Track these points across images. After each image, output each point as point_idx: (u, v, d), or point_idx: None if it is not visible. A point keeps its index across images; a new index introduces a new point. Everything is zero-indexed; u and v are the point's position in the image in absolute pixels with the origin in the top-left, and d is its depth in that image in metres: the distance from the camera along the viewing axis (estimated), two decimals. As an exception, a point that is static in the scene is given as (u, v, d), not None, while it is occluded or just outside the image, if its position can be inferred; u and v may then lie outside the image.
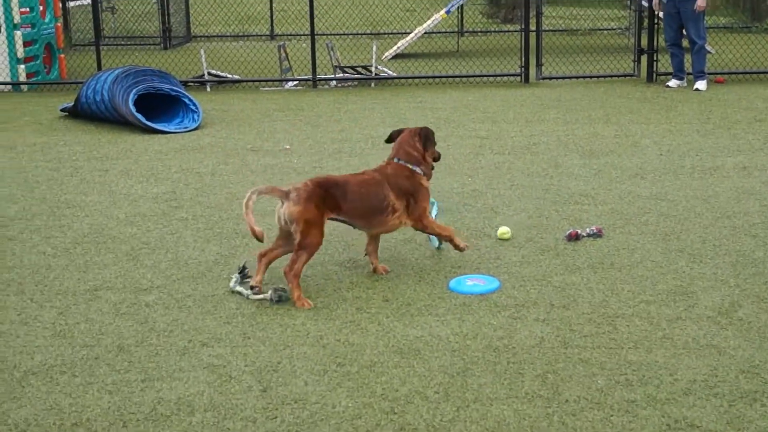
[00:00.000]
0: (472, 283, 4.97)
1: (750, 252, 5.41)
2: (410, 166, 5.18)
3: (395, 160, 5.22)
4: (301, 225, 4.76)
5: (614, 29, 18.24)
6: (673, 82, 11.67)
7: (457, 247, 5.26)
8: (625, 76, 12.61)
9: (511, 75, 12.59)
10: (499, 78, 12.66)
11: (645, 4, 12.62)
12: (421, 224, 5.16)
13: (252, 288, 4.89)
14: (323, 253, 5.54)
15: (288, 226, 4.82)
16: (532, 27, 12.64)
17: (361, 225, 5.10)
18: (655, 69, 12.25)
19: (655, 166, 7.52)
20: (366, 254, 5.28)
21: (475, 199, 6.65)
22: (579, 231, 5.73)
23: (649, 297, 4.77)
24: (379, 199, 5.02)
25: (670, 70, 11.81)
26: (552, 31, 17.63)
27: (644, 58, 12.41)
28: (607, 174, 7.29)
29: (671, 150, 8.09)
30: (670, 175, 7.21)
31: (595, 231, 5.74)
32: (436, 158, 5.38)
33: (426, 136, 5.32)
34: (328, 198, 4.89)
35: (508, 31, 17.78)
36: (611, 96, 11.18)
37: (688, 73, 11.62)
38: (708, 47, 12.57)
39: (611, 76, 12.61)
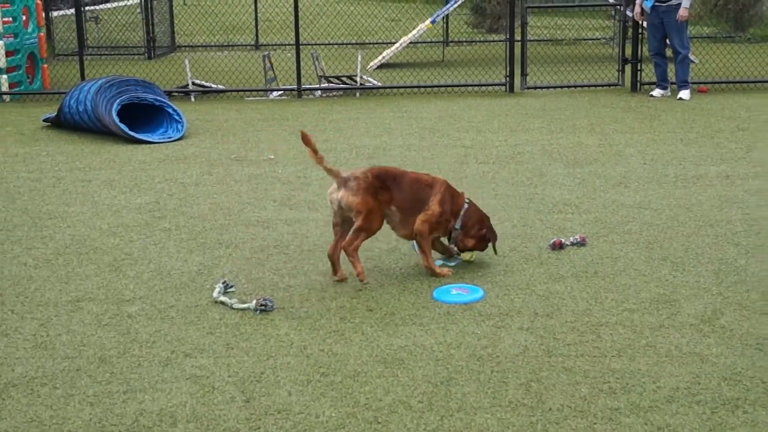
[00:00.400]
0: (456, 292, 4.96)
1: (732, 260, 5.43)
2: (464, 207, 5.32)
3: (466, 200, 5.37)
4: (363, 213, 4.99)
5: (599, 39, 18.32)
6: (656, 92, 11.73)
7: (433, 272, 5.26)
8: (609, 85, 12.65)
9: (496, 84, 12.62)
10: (484, 88, 12.68)
11: (629, 14, 12.68)
12: (417, 236, 5.21)
13: (337, 281, 5.13)
14: (306, 262, 5.54)
15: (343, 210, 5.07)
16: (517, 37, 12.67)
17: (398, 221, 5.20)
18: (639, 78, 12.30)
19: (639, 175, 7.54)
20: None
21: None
22: (563, 240, 5.74)
23: (632, 305, 4.77)
24: (423, 199, 5.19)
25: (654, 79, 11.87)
26: (537, 40, 17.71)
27: (628, 68, 12.46)
28: (591, 183, 7.31)
29: (655, 159, 8.12)
30: (654, 183, 7.24)
31: (578, 240, 5.75)
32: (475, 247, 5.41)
33: (489, 230, 5.39)
34: (384, 189, 5.08)
35: (493, 41, 17.83)
36: (595, 105, 11.22)
37: (672, 83, 11.68)
38: (691, 57, 12.64)
39: (596, 86, 12.65)
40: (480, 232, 5.34)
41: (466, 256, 5.46)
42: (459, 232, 5.32)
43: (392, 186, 5.13)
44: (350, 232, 5.08)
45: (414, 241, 5.44)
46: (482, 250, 5.44)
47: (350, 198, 5.00)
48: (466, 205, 5.35)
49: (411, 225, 5.19)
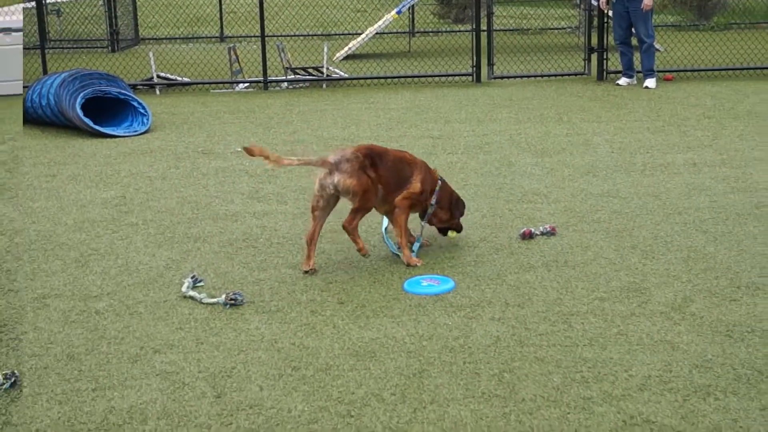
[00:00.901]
0: (427, 283, 4.95)
1: (701, 247, 5.46)
2: (438, 184, 5.45)
3: (440, 178, 5.49)
4: (360, 194, 5.06)
5: (564, 28, 18.38)
6: (623, 81, 11.78)
7: (404, 256, 5.31)
8: (575, 74, 12.69)
9: (462, 75, 12.62)
10: (451, 78, 12.67)
11: (594, 3, 12.72)
12: (397, 210, 5.29)
13: (306, 272, 5.10)
14: (276, 255, 5.50)
15: (336, 193, 5.12)
16: (484, 27, 12.67)
17: (380, 197, 5.26)
18: (605, 67, 12.35)
19: (607, 163, 7.57)
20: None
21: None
22: (533, 229, 5.74)
23: (602, 294, 4.78)
24: (405, 177, 5.29)
25: (620, 68, 11.91)
26: (503, 30, 17.72)
27: (594, 57, 12.51)
28: (559, 172, 7.32)
29: (622, 147, 8.15)
30: (622, 172, 7.26)
31: (548, 229, 5.76)
32: (454, 227, 5.61)
33: (459, 203, 5.58)
34: (372, 167, 5.15)
35: (460, 31, 17.84)
36: (562, 95, 11.25)
37: (638, 71, 11.74)
38: (657, 45, 12.71)
39: (562, 75, 12.69)
40: (454, 207, 5.54)
41: (452, 234, 5.62)
42: (434, 208, 5.43)
43: (378, 164, 5.20)
44: (349, 213, 5.16)
45: (384, 232, 5.46)
46: (455, 226, 5.59)
47: (347, 181, 5.05)
48: (440, 182, 5.47)
49: (392, 201, 5.28)
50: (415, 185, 5.29)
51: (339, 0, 19.22)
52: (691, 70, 12.51)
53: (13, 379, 3.92)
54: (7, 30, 12.36)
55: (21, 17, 12.85)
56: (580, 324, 4.41)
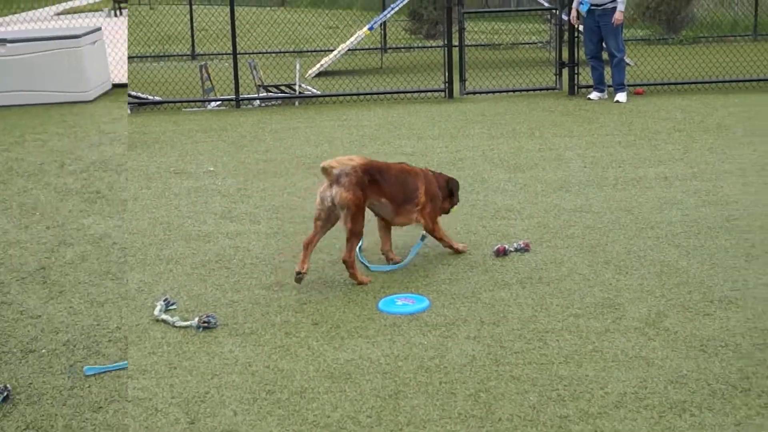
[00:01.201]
0: (402, 302, 4.93)
1: (674, 262, 5.48)
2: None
3: (432, 173, 5.74)
4: (352, 211, 5.09)
5: (536, 43, 18.48)
6: (594, 95, 11.85)
7: (456, 250, 5.72)
8: (547, 89, 12.76)
9: (435, 91, 12.64)
10: (423, 94, 12.69)
11: (565, 18, 12.80)
12: (433, 226, 5.61)
13: (298, 273, 5.13)
14: (249, 276, 5.46)
15: (334, 208, 5.13)
16: (455, 42, 12.71)
17: (390, 211, 5.40)
18: (576, 82, 12.42)
19: (579, 178, 7.60)
20: (383, 252, 5.61)
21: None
22: (506, 246, 5.74)
23: (577, 310, 4.79)
24: (412, 189, 5.42)
25: (591, 82, 11.99)
26: (475, 46, 17.79)
27: (565, 72, 12.57)
28: (532, 188, 7.34)
29: (594, 162, 8.19)
30: (594, 187, 7.29)
31: (522, 246, 5.76)
32: (454, 204, 5.94)
33: (452, 184, 5.86)
34: (372, 183, 5.20)
35: (432, 47, 17.88)
36: (534, 109, 11.30)
37: (609, 86, 11.81)
38: (627, 60, 12.81)
39: (534, 90, 12.75)
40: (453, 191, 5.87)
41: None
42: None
43: (380, 179, 5.28)
44: (346, 244, 5.19)
45: (358, 252, 5.50)
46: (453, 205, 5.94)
47: (343, 194, 5.10)
48: (434, 177, 5.72)
49: (407, 212, 5.47)
50: (422, 198, 5.49)
51: (311, 17, 19.24)
52: (661, 84, 12.62)
53: (5, 393, 3.91)
54: (2, 41, 12.41)
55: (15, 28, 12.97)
56: (556, 341, 4.40)
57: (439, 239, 5.70)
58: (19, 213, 7.05)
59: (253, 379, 4.09)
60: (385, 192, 5.31)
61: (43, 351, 4.50)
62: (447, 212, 5.92)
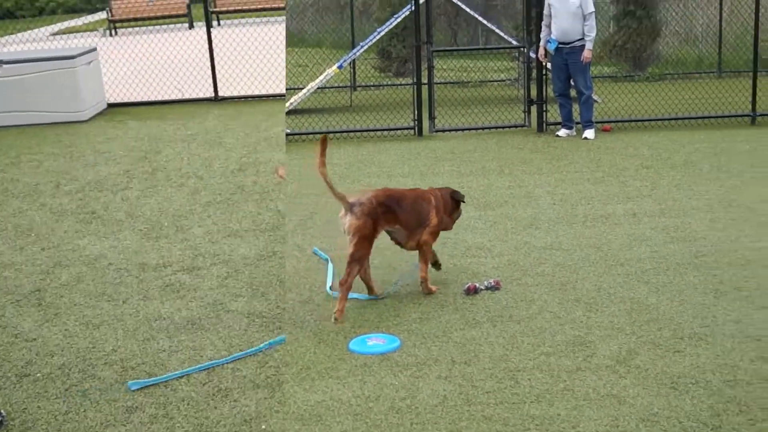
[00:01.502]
0: (373, 342, 4.91)
1: (644, 299, 5.50)
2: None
3: (440, 194, 5.93)
4: (356, 238, 5.26)
5: (504, 81, 18.62)
6: (562, 132, 11.94)
7: (427, 286, 5.75)
8: (516, 126, 12.83)
9: (404, 128, 12.68)
10: (393, 132, 12.72)
11: (533, 55, 12.92)
12: (426, 247, 5.73)
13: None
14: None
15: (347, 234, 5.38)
16: (424, 80, 12.78)
17: (405, 236, 5.61)
18: (544, 119, 12.50)
19: (549, 215, 7.63)
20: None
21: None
22: (477, 284, 5.74)
23: (548, 348, 4.78)
24: (424, 215, 5.66)
25: (560, 120, 12.08)
26: (444, 83, 17.90)
27: (534, 109, 12.66)
28: (502, 225, 7.36)
29: (564, 199, 8.23)
30: (564, 224, 7.32)
31: (492, 284, 5.76)
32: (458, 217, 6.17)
33: (455, 196, 6.04)
34: (387, 213, 5.39)
35: (401, 85, 17.96)
36: (504, 147, 11.36)
37: (577, 123, 11.91)
38: (595, 97, 12.93)
39: (503, 127, 12.82)
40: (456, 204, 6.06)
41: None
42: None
43: (396, 208, 5.47)
44: (345, 266, 5.33)
45: (329, 290, 5.56)
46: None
47: (352, 221, 5.31)
48: (442, 200, 5.89)
49: (417, 236, 5.65)
50: (433, 221, 5.69)
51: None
52: (628, 121, 12.73)
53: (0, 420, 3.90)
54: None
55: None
56: (527, 380, 4.39)
57: (422, 260, 5.74)
58: (14, 234, 7.04)
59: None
60: (400, 220, 5.53)
61: (38, 375, 4.46)
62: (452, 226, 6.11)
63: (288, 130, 12.92)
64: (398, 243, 5.78)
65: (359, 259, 5.38)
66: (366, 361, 4.68)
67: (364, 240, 5.36)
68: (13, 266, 6.22)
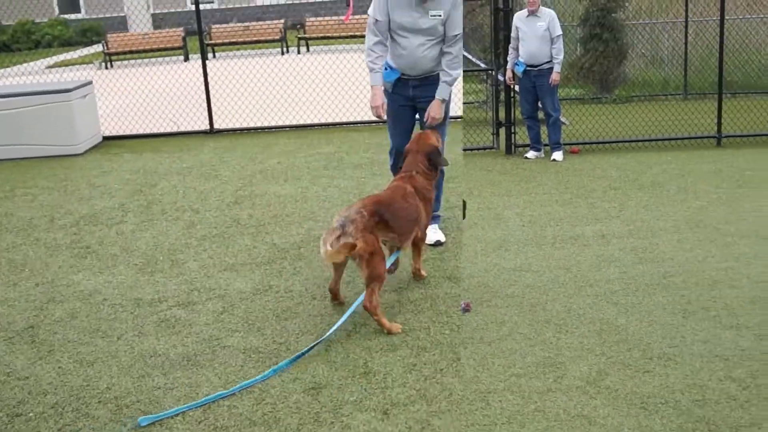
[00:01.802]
0: (344, 366, 4.89)
1: (613, 319, 5.53)
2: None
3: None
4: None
5: (472, 103, 18.73)
6: (531, 154, 12.02)
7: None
8: (484, 149, 12.90)
9: (374, 151, 12.68)
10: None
11: (501, 78, 13.01)
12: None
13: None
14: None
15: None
16: (393, 103, 12.79)
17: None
18: (513, 141, 12.58)
19: (518, 237, 7.66)
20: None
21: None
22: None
23: (519, 370, 4.80)
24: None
25: (528, 142, 12.16)
26: (413, 106, 17.93)
27: (502, 131, 12.74)
28: (472, 247, 7.38)
29: (532, 220, 8.27)
30: (533, 245, 7.36)
31: (463, 306, 5.78)
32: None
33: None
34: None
35: (370, 108, 18.02)
36: (472, 169, 11.41)
37: (545, 144, 11.99)
38: (563, 119, 13.03)
39: (472, 150, 12.88)
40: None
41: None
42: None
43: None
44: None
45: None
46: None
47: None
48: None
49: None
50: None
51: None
52: (596, 143, 12.84)
53: None
54: None
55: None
56: (498, 402, 4.40)
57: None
58: (8, 270, 6.96)
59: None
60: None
61: (30, 414, 4.40)
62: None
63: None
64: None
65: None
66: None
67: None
68: (6, 302, 6.15)
